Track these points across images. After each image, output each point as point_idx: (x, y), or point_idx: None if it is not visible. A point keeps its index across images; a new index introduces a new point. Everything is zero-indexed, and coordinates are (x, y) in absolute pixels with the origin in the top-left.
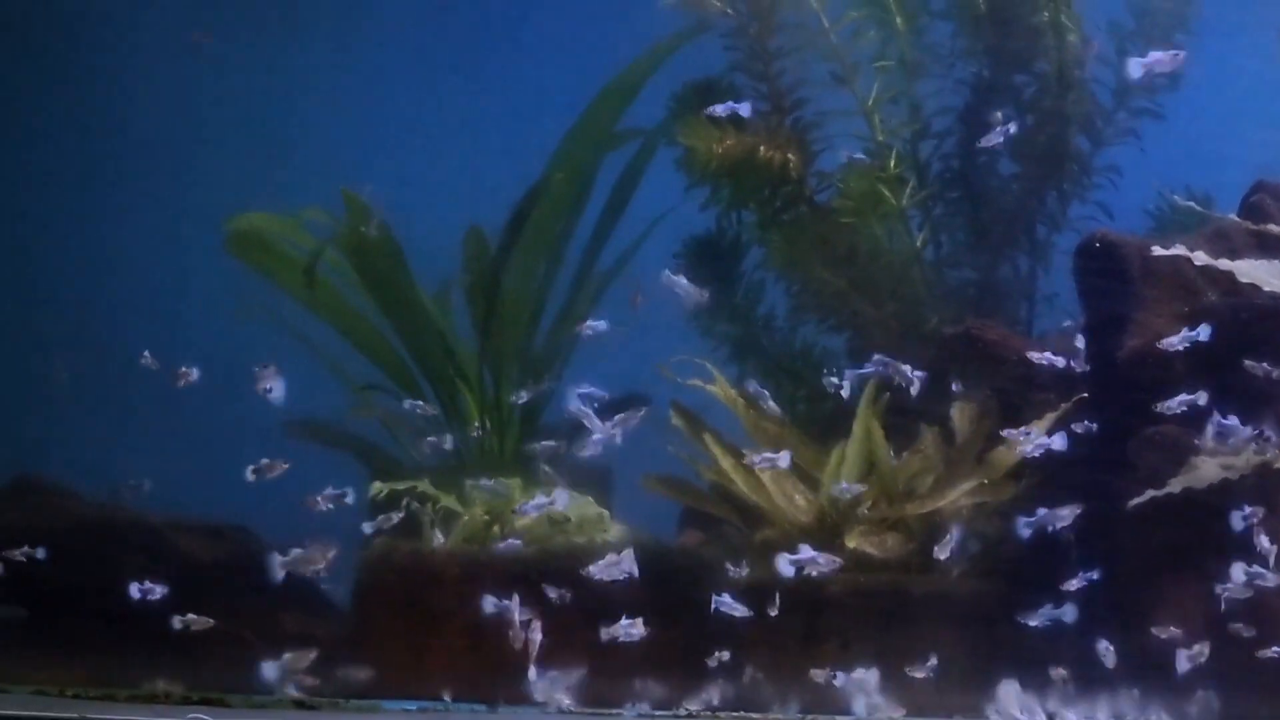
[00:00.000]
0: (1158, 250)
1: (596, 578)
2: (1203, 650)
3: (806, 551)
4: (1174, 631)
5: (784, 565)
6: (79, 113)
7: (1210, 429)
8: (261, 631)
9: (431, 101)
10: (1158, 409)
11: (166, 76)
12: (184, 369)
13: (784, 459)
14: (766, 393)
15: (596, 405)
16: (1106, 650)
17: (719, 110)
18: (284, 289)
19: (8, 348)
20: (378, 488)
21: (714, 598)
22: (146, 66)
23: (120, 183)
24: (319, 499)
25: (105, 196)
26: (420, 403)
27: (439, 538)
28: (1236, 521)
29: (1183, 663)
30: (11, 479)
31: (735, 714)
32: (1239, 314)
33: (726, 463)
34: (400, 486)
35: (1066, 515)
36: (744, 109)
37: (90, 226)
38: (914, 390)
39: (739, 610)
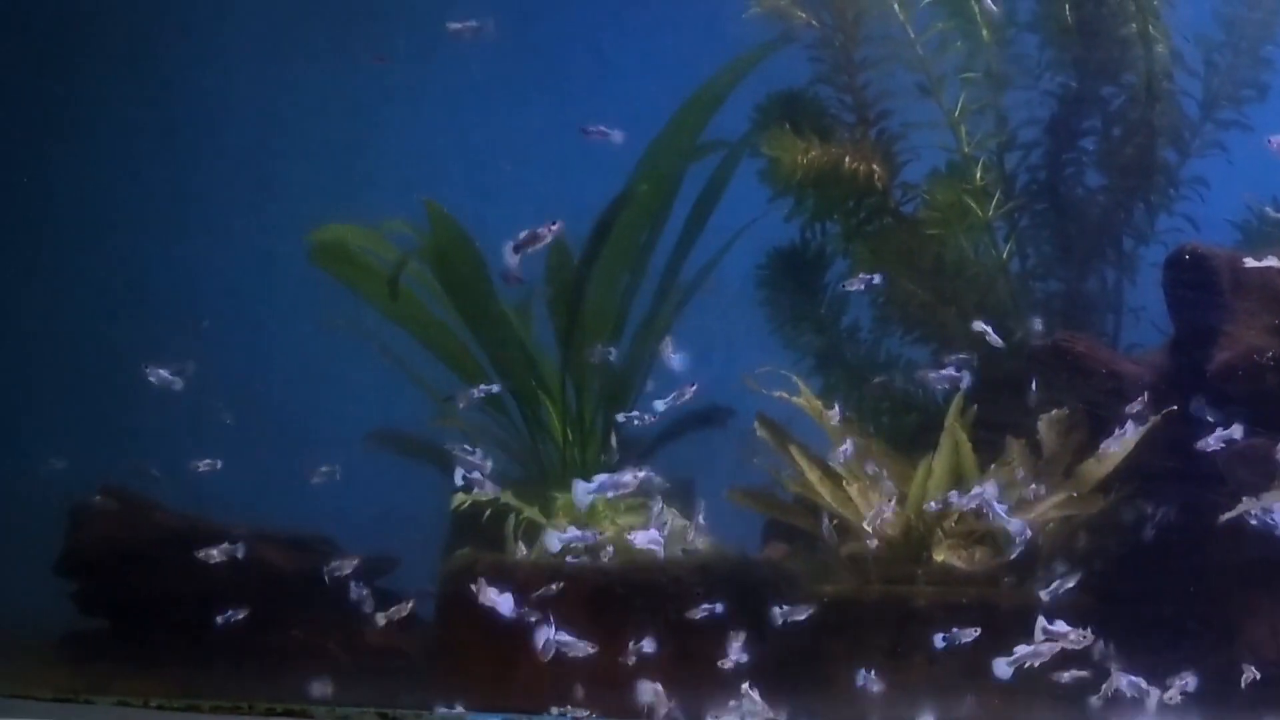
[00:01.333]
0: (1250, 262)
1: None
2: None
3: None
4: (1265, 648)
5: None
6: (168, 125)
7: None
8: (345, 643)
9: (516, 112)
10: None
11: (253, 91)
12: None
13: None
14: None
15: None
16: (1191, 669)
17: None
18: (367, 300)
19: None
20: (460, 499)
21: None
22: (233, 81)
23: (209, 196)
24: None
25: (196, 211)
26: (489, 387)
27: (522, 550)
28: None
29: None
30: (98, 490)
31: None
32: None
33: (813, 475)
34: (483, 499)
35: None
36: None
37: (181, 241)
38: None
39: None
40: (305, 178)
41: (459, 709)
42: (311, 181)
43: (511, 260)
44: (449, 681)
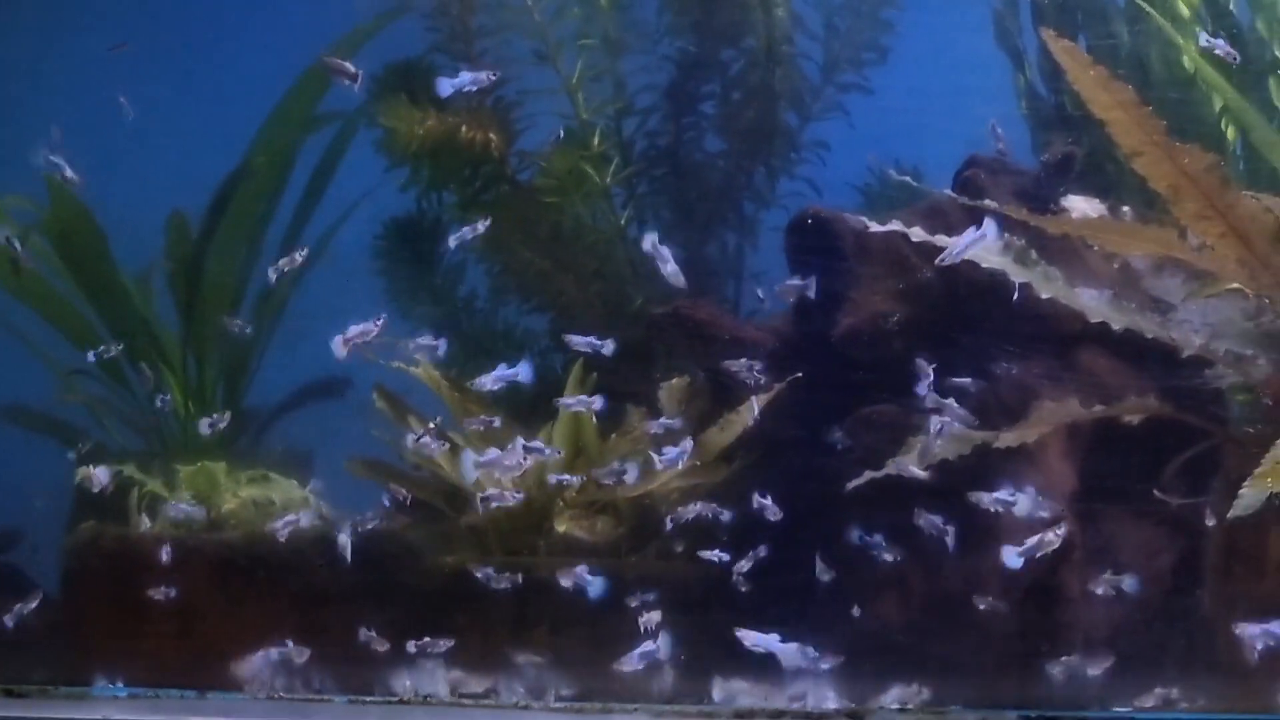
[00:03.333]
0: (873, 226)
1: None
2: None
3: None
4: (892, 615)
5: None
6: None
7: (929, 408)
8: None
9: (135, 86)
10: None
11: None
12: None
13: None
14: None
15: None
16: (825, 634)
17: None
18: None
19: None
20: (83, 473)
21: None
22: None
23: None
24: None
25: None
26: (104, 349)
27: (146, 522)
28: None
29: (906, 642)
30: None
31: (455, 700)
32: (957, 290)
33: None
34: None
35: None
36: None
37: None
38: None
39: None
40: None
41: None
42: None
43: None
44: (74, 656)
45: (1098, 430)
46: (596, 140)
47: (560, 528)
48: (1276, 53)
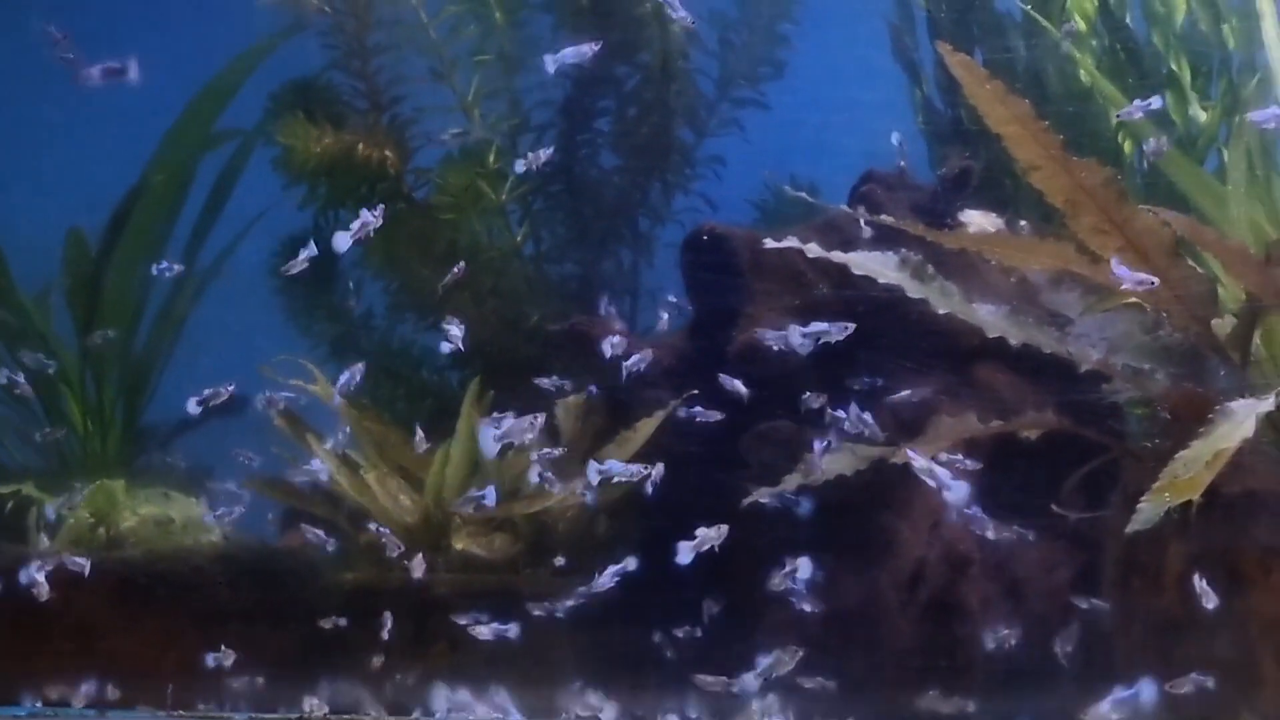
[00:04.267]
0: (768, 242)
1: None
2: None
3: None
4: (786, 631)
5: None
6: None
7: (827, 423)
8: None
9: (33, 102)
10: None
11: None
12: None
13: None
14: None
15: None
16: (723, 646)
17: None
18: None
19: None
20: None
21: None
22: None
23: None
24: None
25: None
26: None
27: (45, 541)
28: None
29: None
30: None
31: (346, 716)
32: (854, 307)
33: (331, 463)
34: (4, 490)
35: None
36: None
37: None
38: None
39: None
40: None
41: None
42: None
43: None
44: None
45: (996, 445)
46: (492, 157)
47: (458, 545)
48: (1172, 66)
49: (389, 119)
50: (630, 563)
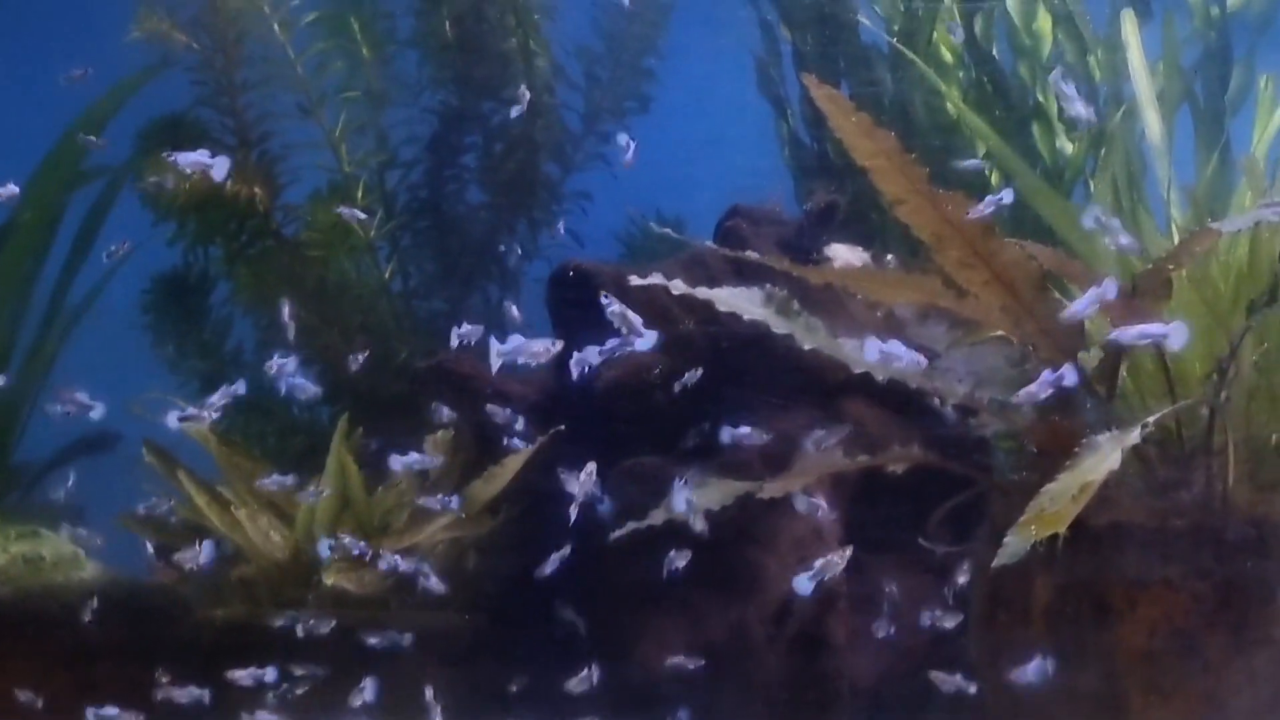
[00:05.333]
0: (634, 279)
1: None
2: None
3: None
4: (654, 662)
5: None
6: None
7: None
8: None
9: None
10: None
11: None
12: None
13: None
14: None
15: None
16: (588, 682)
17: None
18: None
19: None
20: None
21: None
22: None
23: None
24: None
25: None
26: None
27: None
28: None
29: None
30: None
31: None
32: (719, 343)
33: (201, 499)
34: None
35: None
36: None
37: None
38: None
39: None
40: None
41: None
42: None
43: None
44: None
45: (863, 480)
46: (360, 193)
47: (328, 580)
48: (1039, 98)
49: (257, 155)
50: None
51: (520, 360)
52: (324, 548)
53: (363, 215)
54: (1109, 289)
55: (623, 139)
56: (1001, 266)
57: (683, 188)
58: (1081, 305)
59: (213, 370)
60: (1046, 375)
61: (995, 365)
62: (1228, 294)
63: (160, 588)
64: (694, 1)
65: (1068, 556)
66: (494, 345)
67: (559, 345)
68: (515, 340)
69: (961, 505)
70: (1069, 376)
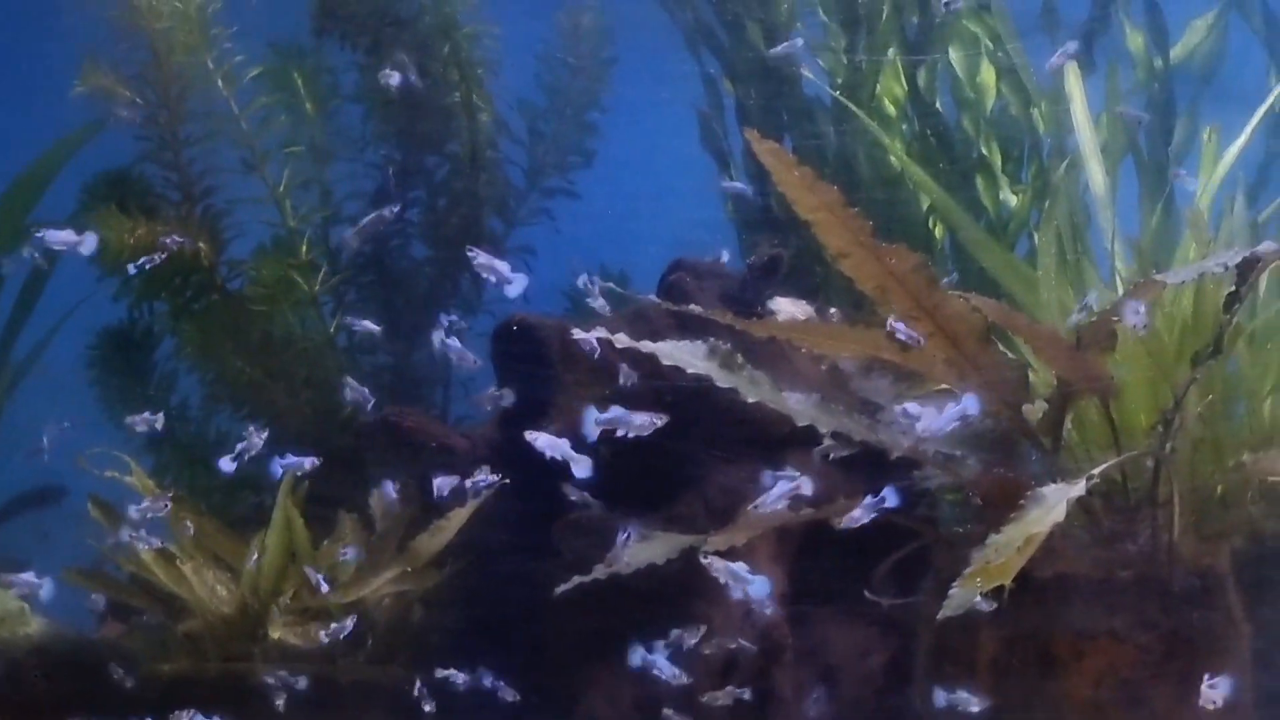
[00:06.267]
0: (577, 333)
1: None
2: None
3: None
4: (601, 716)
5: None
6: None
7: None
8: None
9: None
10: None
11: None
12: None
13: None
14: None
15: None
16: None
17: None
18: None
19: None
20: None
21: None
22: None
23: None
24: None
25: None
26: None
27: None
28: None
29: None
30: None
31: None
32: (663, 397)
33: (146, 555)
34: None
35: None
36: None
37: None
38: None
39: None
40: None
41: None
42: None
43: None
44: None
45: (808, 533)
46: (305, 248)
47: (274, 634)
48: (983, 150)
49: (202, 210)
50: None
51: (621, 433)
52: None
53: None
54: (970, 405)
55: (581, 280)
56: (945, 319)
57: (627, 242)
58: (942, 422)
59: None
60: (951, 409)
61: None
62: (1172, 346)
63: (106, 643)
64: (637, 56)
65: (1014, 608)
66: (591, 415)
67: (662, 420)
68: (615, 411)
69: (907, 558)
70: (971, 407)
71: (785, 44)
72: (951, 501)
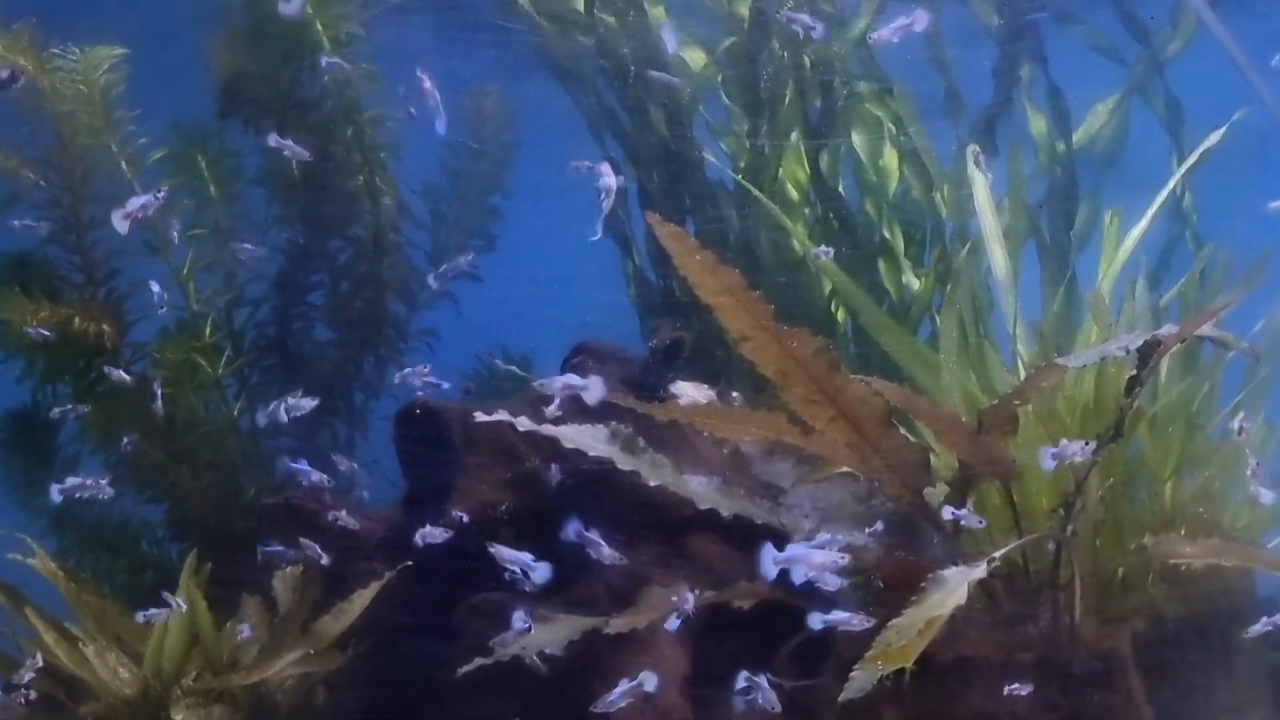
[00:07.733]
0: (479, 415)
1: None
2: None
3: None
4: None
5: None
6: None
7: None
8: None
9: None
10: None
11: None
12: None
13: None
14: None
15: None
16: None
17: None
18: None
19: None
20: None
21: None
22: None
23: None
24: None
25: None
26: None
27: None
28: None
29: None
30: None
31: None
32: (565, 479)
33: (49, 637)
34: None
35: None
36: None
37: None
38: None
39: None
40: None
41: None
42: None
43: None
44: None
45: (710, 615)
46: (208, 331)
47: (177, 716)
48: (886, 234)
49: (105, 293)
50: None
51: (806, 573)
52: None
53: None
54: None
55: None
56: (847, 403)
57: (529, 325)
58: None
59: (62, 507)
60: (567, 378)
61: (841, 501)
62: (1074, 429)
63: None
64: (540, 139)
65: (915, 690)
66: (769, 553)
67: (846, 559)
68: (795, 549)
69: (809, 640)
70: (595, 390)
71: (665, 76)
72: (854, 584)
